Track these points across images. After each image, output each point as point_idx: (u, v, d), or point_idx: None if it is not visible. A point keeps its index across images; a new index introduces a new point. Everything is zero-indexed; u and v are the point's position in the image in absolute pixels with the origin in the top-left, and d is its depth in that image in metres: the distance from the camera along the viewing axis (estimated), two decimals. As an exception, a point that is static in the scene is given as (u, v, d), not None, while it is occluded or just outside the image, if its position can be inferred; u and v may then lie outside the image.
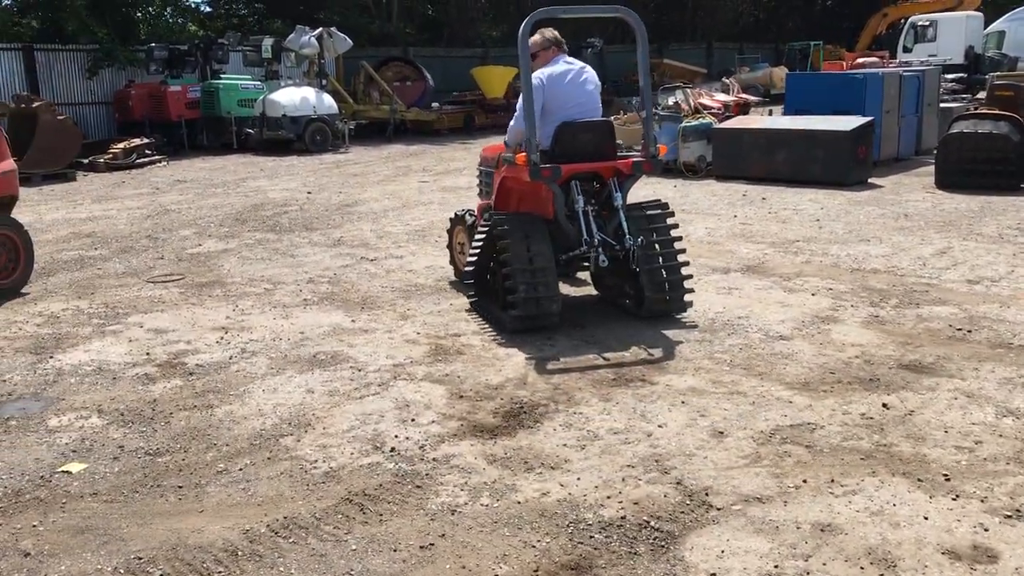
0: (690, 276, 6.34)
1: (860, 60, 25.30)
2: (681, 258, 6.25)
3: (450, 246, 7.89)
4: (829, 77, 15.22)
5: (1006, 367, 5.24)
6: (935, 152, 13.34)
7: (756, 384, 5.13)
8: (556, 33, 6.42)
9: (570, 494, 3.90)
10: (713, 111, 16.37)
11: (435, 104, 25.72)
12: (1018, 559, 3.25)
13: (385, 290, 7.65)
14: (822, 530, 3.51)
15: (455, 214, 7.78)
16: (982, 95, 24.68)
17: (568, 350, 5.81)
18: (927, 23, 31.08)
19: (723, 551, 3.40)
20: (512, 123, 6.28)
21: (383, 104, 24.33)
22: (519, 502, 3.86)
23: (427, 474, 4.16)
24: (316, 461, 4.35)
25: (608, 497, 3.86)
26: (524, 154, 5.89)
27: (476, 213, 7.36)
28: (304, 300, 7.40)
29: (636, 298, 6.40)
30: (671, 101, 15.34)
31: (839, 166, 12.47)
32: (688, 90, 16.57)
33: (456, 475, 4.14)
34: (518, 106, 6.11)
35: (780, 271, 7.83)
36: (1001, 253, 8.22)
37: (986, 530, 3.45)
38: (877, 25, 39.50)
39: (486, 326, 6.39)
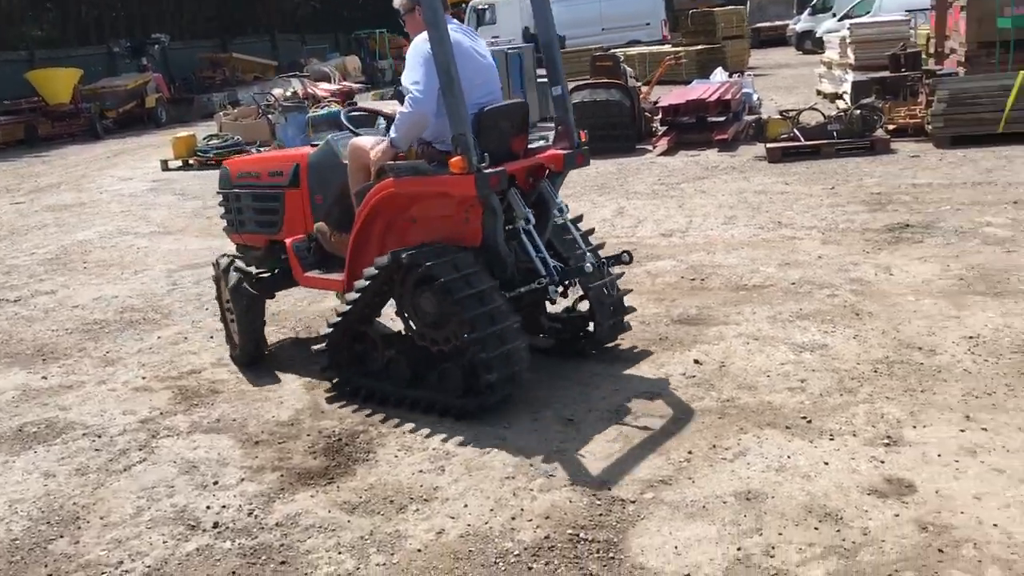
0: (630, 290, 5.27)
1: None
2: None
3: (221, 313, 5.46)
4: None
5: (760, 306, 5.57)
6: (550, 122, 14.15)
7: (559, 362, 4.91)
8: None
9: (469, 526, 3.38)
10: (328, 100, 15.89)
11: (-17, 116, 22.10)
12: (930, 483, 3.38)
13: (59, 334, 6.27)
14: (748, 499, 3.38)
15: (216, 262, 5.35)
16: (541, 71, 27.05)
17: (345, 365, 5.15)
18: (485, 6, 33.02)
19: (676, 547, 3.13)
20: (407, 110, 4.21)
21: (-81, 121, 20.39)
22: (419, 550, 3.26)
23: (282, 545, 3.37)
24: (122, 563, 3.34)
25: (513, 518, 3.40)
26: (460, 158, 3.99)
27: (244, 252, 5.38)
28: (-47, 363, 5.80)
29: (571, 330, 5.06)
30: (289, 92, 14.59)
31: (477, 143, 12.66)
32: (305, 80, 15.91)
33: (320, 536, 3.41)
34: (414, 87, 4.18)
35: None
36: (667, 207, 8.85)
37: (882, 462, 3.56)
38: (432, 12, 41.27)
39: (226, 354, 5.46)
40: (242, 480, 3.90)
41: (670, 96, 14.09)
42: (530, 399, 4.45)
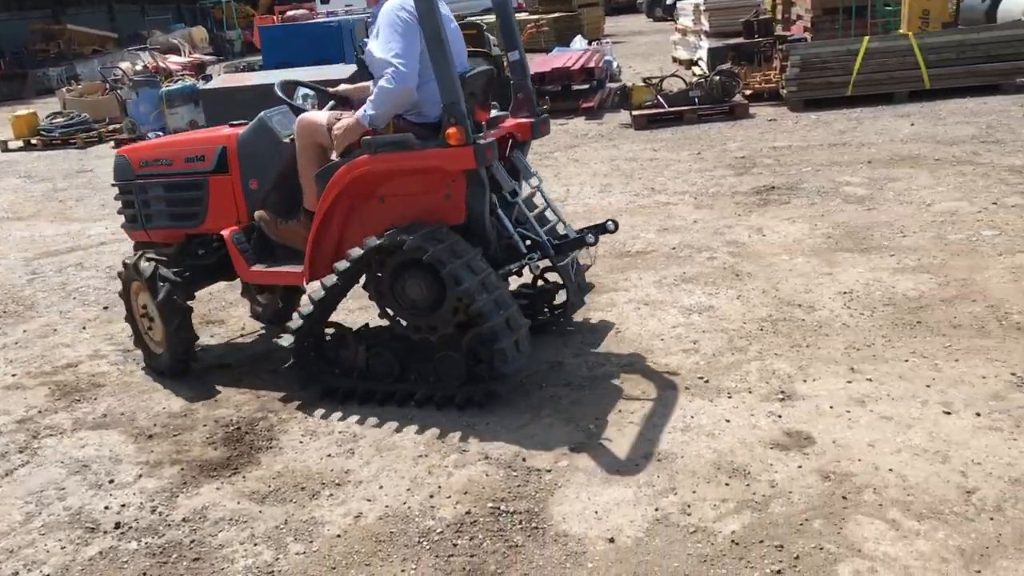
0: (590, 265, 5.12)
1: (290, 13, 25.43)
2: None
3: (131, 315, 4.80)
4: (305, 27, 15.01)
5: (646, 272, 5.71)
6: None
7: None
8: None
9: (387, 507, 3.35)
10: (182, 73, 15.20)
11: None
12: (827, 433, 3.55)
13: (-93, 333, 5.80)
14: (659, 460, 3.48)
15: (134, 265, 4.62)
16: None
17: (233, 351, 4.98)
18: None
19: (596, 511, 3.19)
20: (389, 85, 3.81)
21: None
22: (339, 535, 3.20)
23: (193, 541, 3.25)
24: (17, 573, 3.15)
25: (431, 496, 3.38)
26: (457, 129, 3.74)
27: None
28: None
29: (538, 306, 4.88)
30: (139, 65, 13.87)
31: (343, 115, 12.42)
32: (154, 52, 15.13)
33: (232, 529, 3.30)
34: (397, 60, 3.79)
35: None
36: (544, 176, 8.88)
37: (779, 417, 3.72)
38: (278, -18, 40.04)
39: (106, 345, 5.19)
40: (140, 476, 3.73)
41: (534, 64, 14.14)
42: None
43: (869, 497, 3.10)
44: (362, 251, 3.94)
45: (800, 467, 3.33)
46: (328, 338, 4.35)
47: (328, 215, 4.11)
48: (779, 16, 15.40)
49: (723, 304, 5.03)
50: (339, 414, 4.11)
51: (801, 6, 14.10)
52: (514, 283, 4.91)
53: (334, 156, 4.16)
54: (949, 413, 3.61)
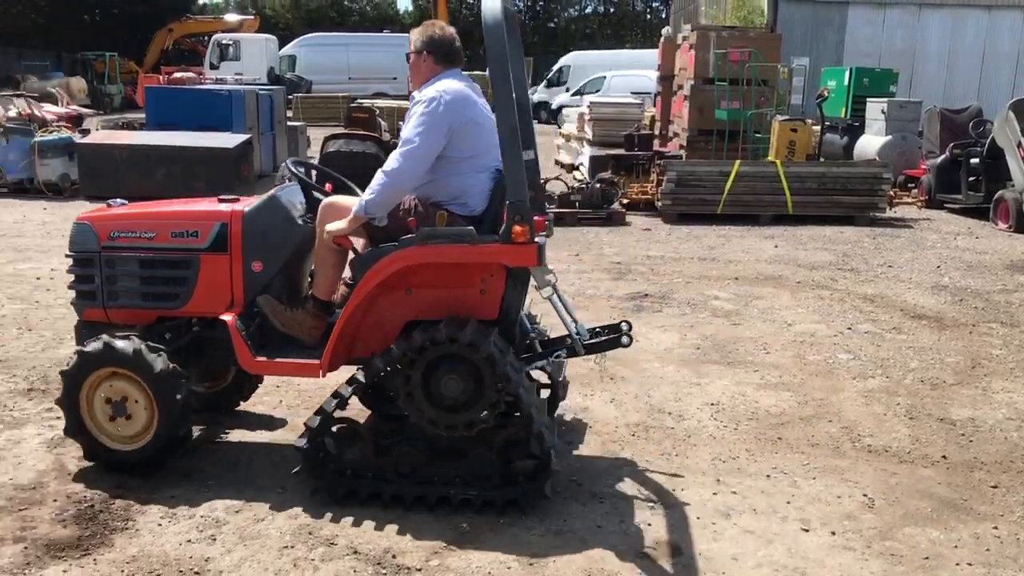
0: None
1: (178, 75, 25.02)
2: None
3: (75, 409, 4.06)
4: (193, 93, 14.81)
5: (523, 370, 5.77)
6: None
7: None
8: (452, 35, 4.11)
9: (250, 598, 3.22)
10: (58, 124, 14.68)
11: None
12: (692, 544, 3.64)
13: None
14: (531, 564, 3.48)
15: (87, 351, 4.03)
16: (291, 113, 26.66)
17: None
18: (230, 42, 32.16)
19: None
20: (397, 165, 3.81)
21: None
22: (196, 628, 3.05)
23: (32, 628, 3.03)
24: None
25: (296, 589, 3.28)
26: (523, 227, 3.67)
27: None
28: None
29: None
30: (12, 112, 13.32)
31: (224, 185, 12.21)
32: (29, 100, 14.57)
33: (77, 617, 3.09)
34: (406, 151, 3.80)
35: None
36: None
37: (649, 525, 3.79)
38: (164, 40, 39.60)
39: (-55, 407, 4.85)
40: (-23, 554, 3.47)
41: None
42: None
43: (732, 611, 3.18)
44: (403, 348, 3.77)
45: (667, 577, 3.40)
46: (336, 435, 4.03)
47: (361, 305, 3.89)
48: (657, 133, 16.22)
49: (597, 406, 5.14)
50: (201, 497, 3.95)
51: (679, 125, 14.90)
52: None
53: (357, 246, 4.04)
54: (807, 530, 3.77)
